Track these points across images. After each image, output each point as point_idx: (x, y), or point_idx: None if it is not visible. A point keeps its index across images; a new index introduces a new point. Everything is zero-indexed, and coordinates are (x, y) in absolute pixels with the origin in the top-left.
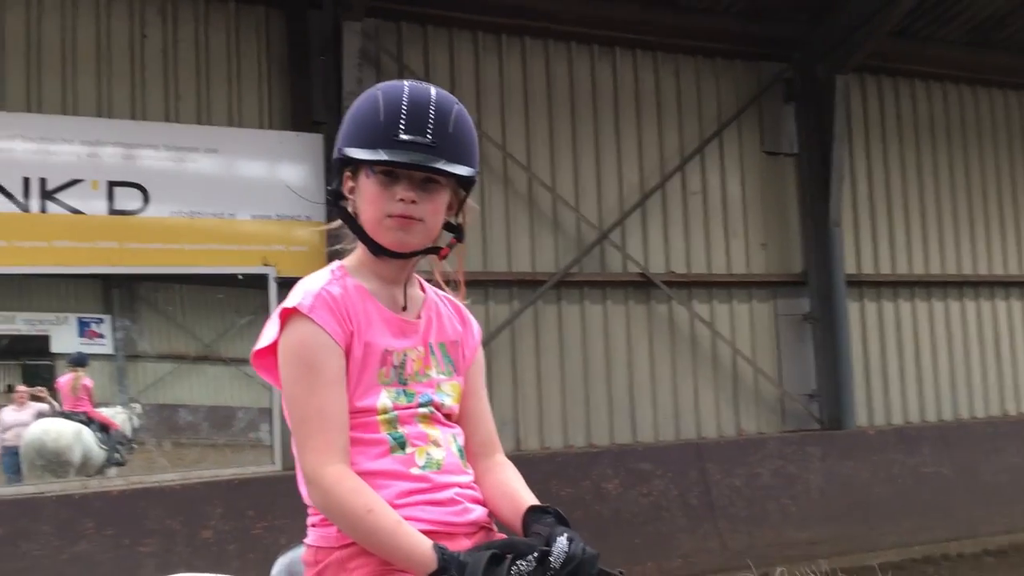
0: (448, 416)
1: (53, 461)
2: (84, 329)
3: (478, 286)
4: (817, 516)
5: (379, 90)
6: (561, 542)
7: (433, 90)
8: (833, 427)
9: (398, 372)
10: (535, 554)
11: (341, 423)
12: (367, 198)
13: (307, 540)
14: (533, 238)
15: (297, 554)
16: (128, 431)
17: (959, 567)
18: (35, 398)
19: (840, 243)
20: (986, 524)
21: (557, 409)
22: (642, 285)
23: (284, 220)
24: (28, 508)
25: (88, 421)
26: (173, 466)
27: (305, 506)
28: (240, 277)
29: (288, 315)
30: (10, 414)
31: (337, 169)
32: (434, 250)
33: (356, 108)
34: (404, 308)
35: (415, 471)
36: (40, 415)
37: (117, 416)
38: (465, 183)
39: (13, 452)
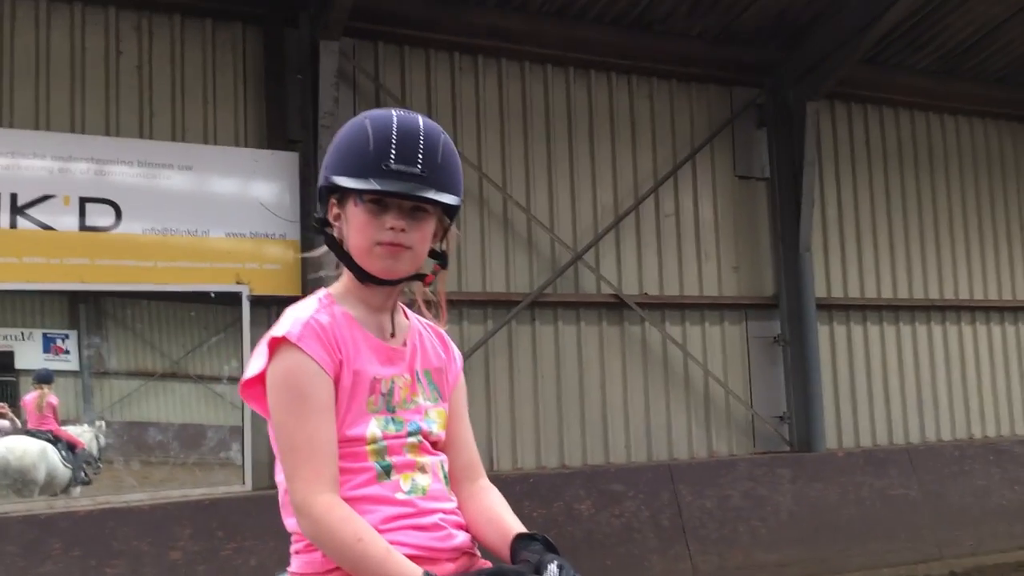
0: (435, 444)
1: (18, 480)
2: (49, 345)
3: (452, 306)
4: (787, 538)
5: (367, 119)
6: (552, 569)
7: (421, 120)
8: (803, 449)
9: (386, 400)
10: None
11: (330, 452)
12: (356, 226)
13: (291, 568)
14: (508, 259)
15: None
16: (95, 450)
17: None
18: None
19: (810, 267)
20: (953, 546)
21: (530, 429)
22: (615, 306)
23: (258, 238)
24: None
25: (54, 439)
26: (141, 485)
27: (288, 533)
28: (213, 295)
29: (277, 344)
30: None
31: (323, 196)
32: (419, 277)
33: (344, 136)
34: (392, 335)
35: (400, 496)
36: (4, 433)
37: (84, 434)
38: (450, 211)
39: None
